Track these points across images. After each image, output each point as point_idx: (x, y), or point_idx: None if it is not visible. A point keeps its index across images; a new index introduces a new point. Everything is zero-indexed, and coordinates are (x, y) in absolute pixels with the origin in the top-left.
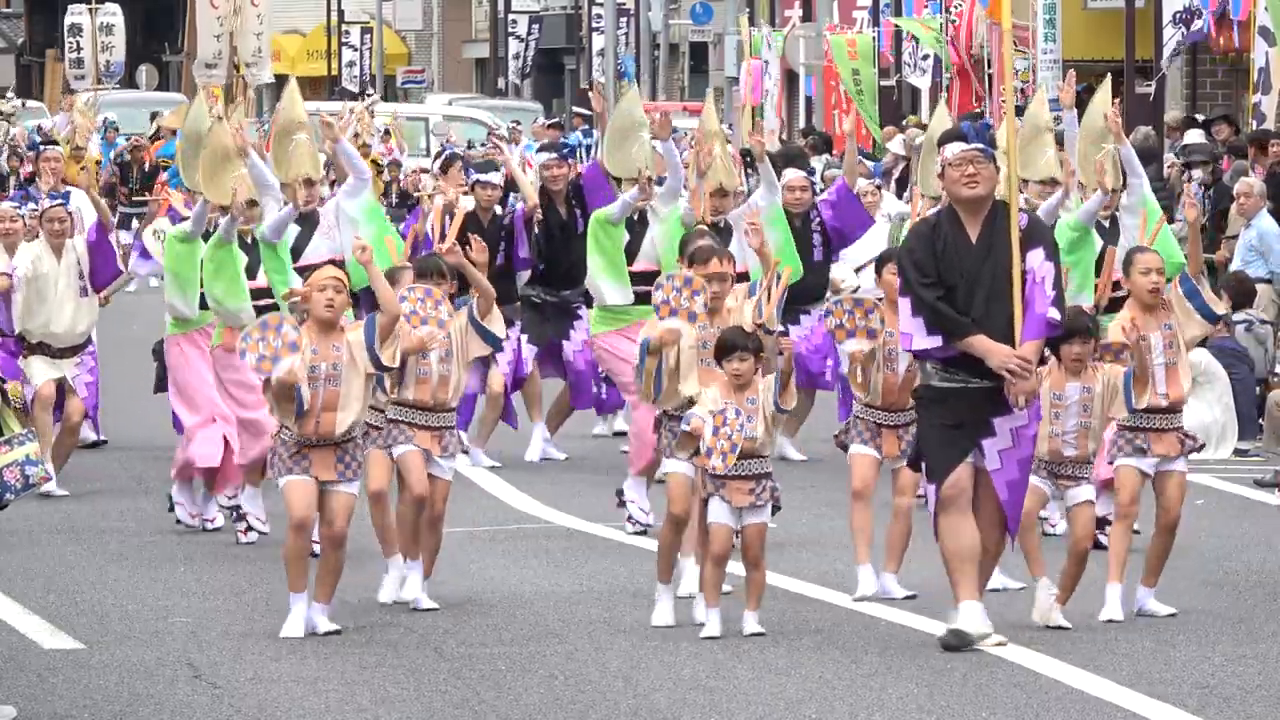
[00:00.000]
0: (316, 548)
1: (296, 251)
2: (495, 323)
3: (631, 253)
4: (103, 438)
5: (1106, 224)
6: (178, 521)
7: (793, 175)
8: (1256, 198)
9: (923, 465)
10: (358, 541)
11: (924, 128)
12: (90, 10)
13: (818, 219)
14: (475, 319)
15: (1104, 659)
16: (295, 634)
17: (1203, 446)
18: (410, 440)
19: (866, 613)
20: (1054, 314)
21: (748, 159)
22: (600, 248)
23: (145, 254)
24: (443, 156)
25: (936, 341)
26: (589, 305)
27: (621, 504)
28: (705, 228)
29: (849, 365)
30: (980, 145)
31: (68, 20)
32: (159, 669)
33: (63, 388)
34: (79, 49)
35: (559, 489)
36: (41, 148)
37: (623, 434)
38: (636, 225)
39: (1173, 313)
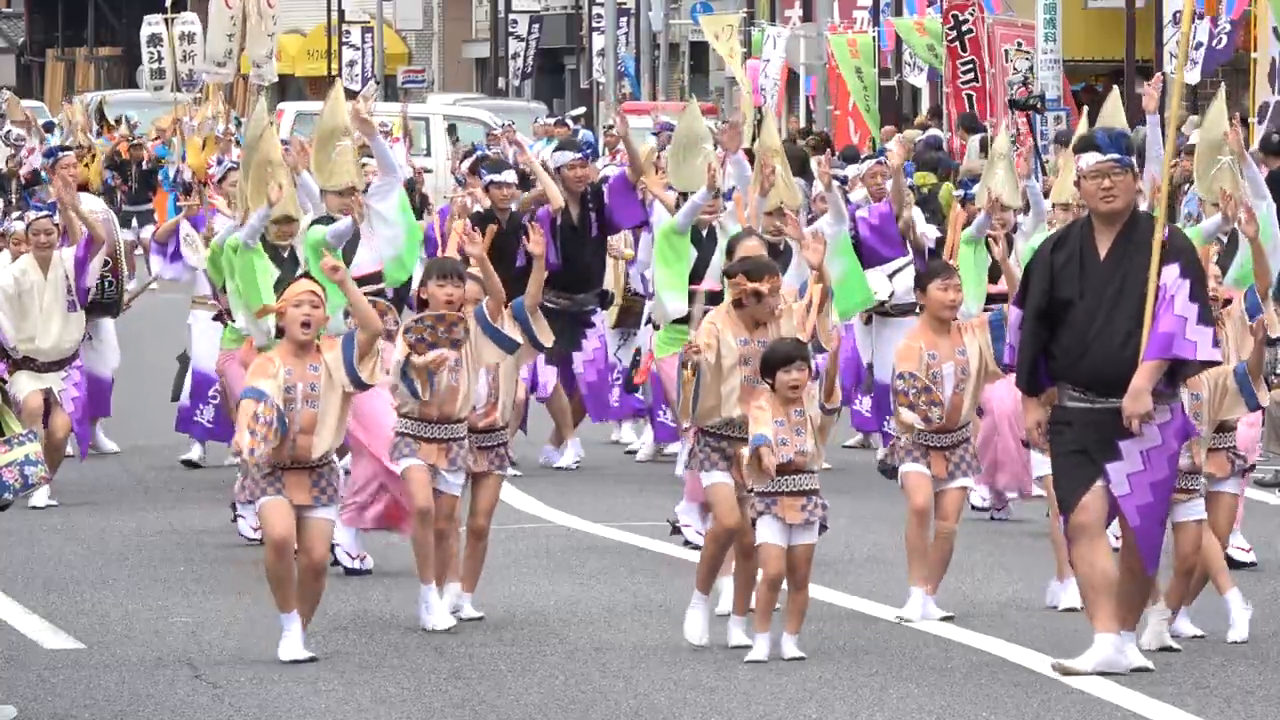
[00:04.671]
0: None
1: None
2: (509, 325)
3: (699, 271)
4: (114, 448)
5: (1224, 238)
6: (240, 535)
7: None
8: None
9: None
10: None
11: (924, 128)
12: (166, 20)
13: (852, 232)
14: (486, 321)
15: None
16: (295, 655)
17: (1253, 467)
18: (414, 454)
19: (866, 612)
20: (1193, 339)
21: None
22: (665, 260)
23: (171, 256)
24: (473, 157)
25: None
26: (604, 307)
27: (676, 530)
28: (748, 226)
29: None
30: (1117, 155)
31: (145, 32)
32: (159, 669)
33: (49, 401)
34: (158, 59)
35: (559, 489)
36: (58, 154)
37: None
38: (705, 243)
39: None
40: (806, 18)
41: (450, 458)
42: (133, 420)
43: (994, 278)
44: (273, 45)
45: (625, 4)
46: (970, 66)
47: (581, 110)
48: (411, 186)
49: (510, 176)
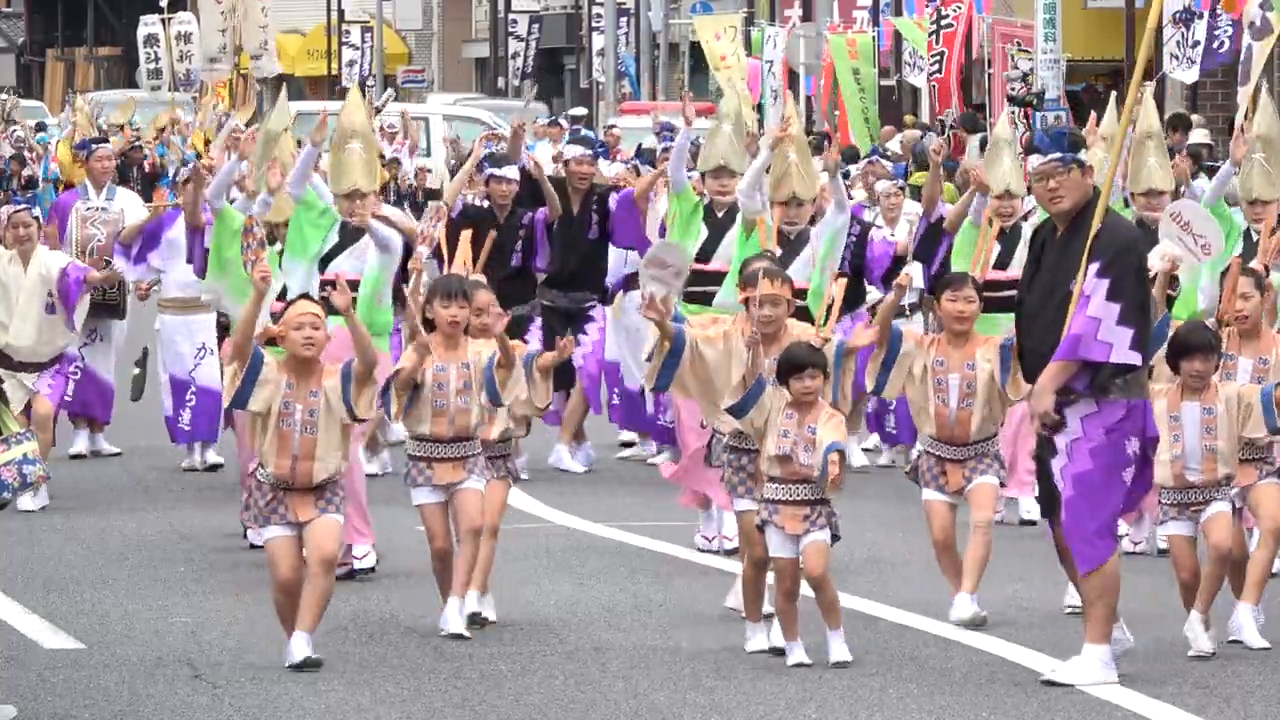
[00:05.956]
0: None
1: (324, 262)
2: (509, 387)
3: (709, 251)
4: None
5: (1255, 234)
6: (251, 546)
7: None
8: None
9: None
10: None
11: (924, 128)
12: (163, 21)
13: (853, 238)
14: (490, 370)
15: None
16: (297, 660)
17: None
18: (429, 481)
19: (866, 612)
20: (1107, 340)
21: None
22: (678, 225)
23: (135, 258)
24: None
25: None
26: (605, 304)
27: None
28: (767, 250)
29: None
30: (1059, 155)
31: (142, 32)
32: (159, 669)
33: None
34: (155, 59)
35: (559, 489)
36: (92, 147)
37: (628, 444)
38: (720, 222)
39: (1275, 347)
40: (806, 18)
41: (467, 468)
42: (133, 422)
43: (1004, 264)
44: (266, 36)
45: (625, 4)
46: (938, 59)
47: (582, 110)
48: (408, 191)
49: (512, 172)
